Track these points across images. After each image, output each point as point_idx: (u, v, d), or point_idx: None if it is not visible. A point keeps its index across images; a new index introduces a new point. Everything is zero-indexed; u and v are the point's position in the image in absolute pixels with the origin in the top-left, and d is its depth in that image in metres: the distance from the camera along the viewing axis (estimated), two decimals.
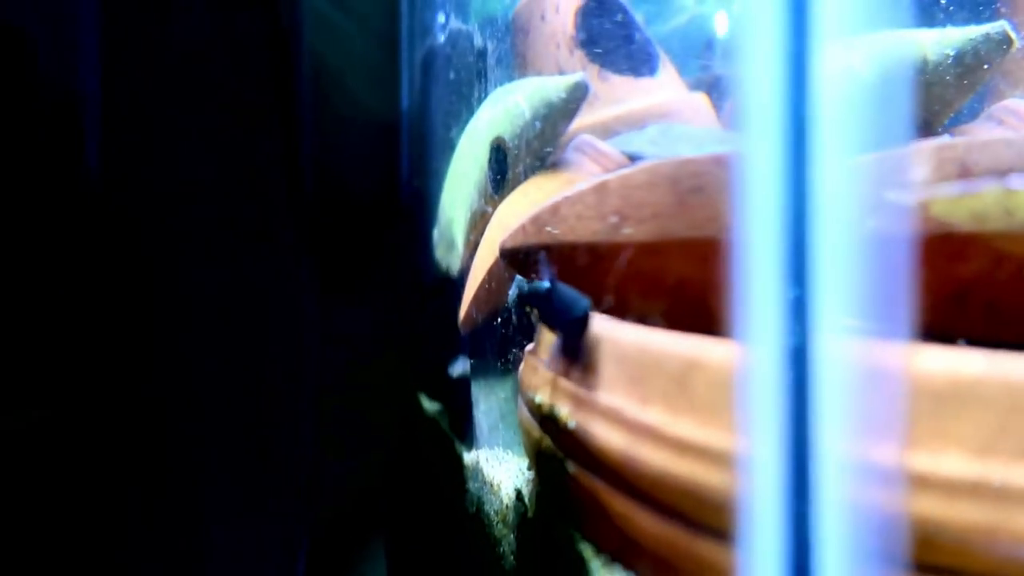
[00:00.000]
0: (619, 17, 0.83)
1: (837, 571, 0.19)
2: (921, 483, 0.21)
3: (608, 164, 0.63)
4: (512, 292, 0.69)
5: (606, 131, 0.72)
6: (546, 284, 0.39)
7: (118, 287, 0.74)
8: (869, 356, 0.21)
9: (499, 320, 0.69)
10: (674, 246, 0.36)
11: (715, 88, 0.90)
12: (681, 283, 0.36)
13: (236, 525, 0.84)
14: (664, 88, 0.78)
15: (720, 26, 1.09)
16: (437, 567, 0.90)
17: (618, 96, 0.76)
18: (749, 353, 0.22)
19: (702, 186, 0.35)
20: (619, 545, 0.31)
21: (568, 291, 0.38)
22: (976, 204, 0.31)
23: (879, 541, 0.20)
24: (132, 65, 0.76)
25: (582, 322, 0.35)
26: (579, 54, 0.81)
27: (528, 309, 0.43)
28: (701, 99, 0.80)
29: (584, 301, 0.36)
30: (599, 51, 0.80)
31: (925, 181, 0.29)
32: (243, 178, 0.86)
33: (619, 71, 0.78)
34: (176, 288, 0.79)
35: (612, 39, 0.81)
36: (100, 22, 0.73)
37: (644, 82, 0.77)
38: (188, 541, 0.79)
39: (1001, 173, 0.31)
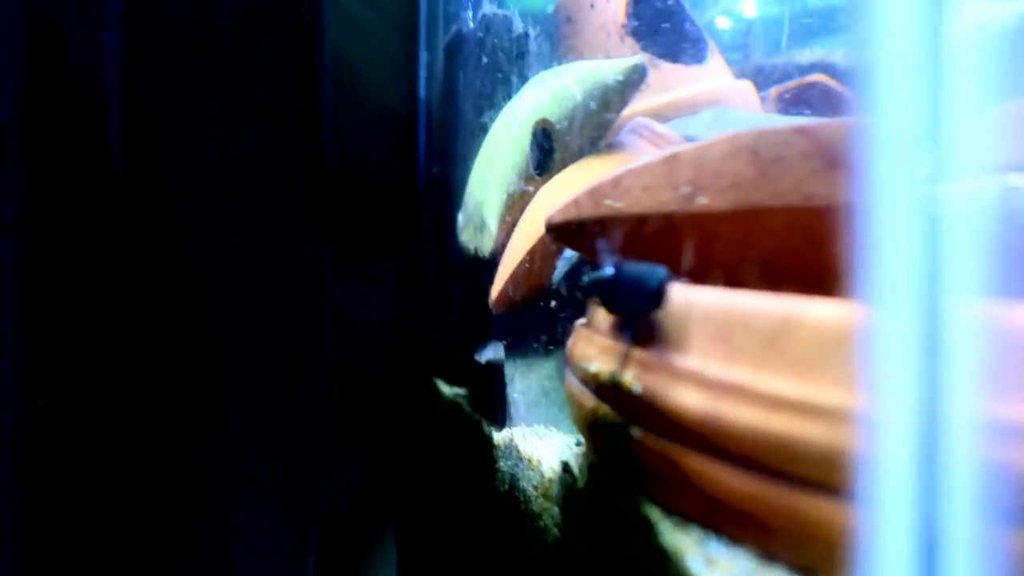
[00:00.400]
0: (670, 5, 0.83)
1: (965, 526, 0.19)
2: None
3: (666, 146, 0.63)
4: (559, 272, 0.70)
5: (657, 118, 0.72)
6: (609, 270, 0.38)
7: (135, 276, 0.75)
8: (995, 316, 0.21)
9: (542, 299, 0.69)
10: (756, 215, 0.35)
11: (757, 76, 0.90)
12: (763, 251, 0.36)
13: (248, 518, 0.84)
14: (713, 76, 0.78)
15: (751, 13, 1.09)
16: (455, 552, 0.90)
17: (669, 83, 0.76)
18: (873, 313, 0.22)
19: (785, 156, 0.35)
20: (696, 505, 0.31)
21: (636, 268, 0.36)
22: None
23: (1004, 496, 0.19)
24: (153, 54, 0.76)
25: (659, 294, 0.34)
26: (629, 41, 0.81)
27: (588, 298, 0.42)
28: (748, 86, 0.80)
29: (659, 271, 0.35)
30: (650, 39, 0.80)
31: None
32: (263, 167, 0.86)
33: (670, 59, 0.78)
34: (195, 277, 0.79)
35: (663, 27, 0.81)
36: (123, 12, 0.73)
37: (694, 70, 0.77)
38: (198, 534, 0.79)
39: None
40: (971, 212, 0.21)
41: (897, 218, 0.22)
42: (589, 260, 0.60)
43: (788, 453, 0.25)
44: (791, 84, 0.79)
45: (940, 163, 0.21)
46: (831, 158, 0.34)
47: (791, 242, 0.35)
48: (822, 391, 0.25)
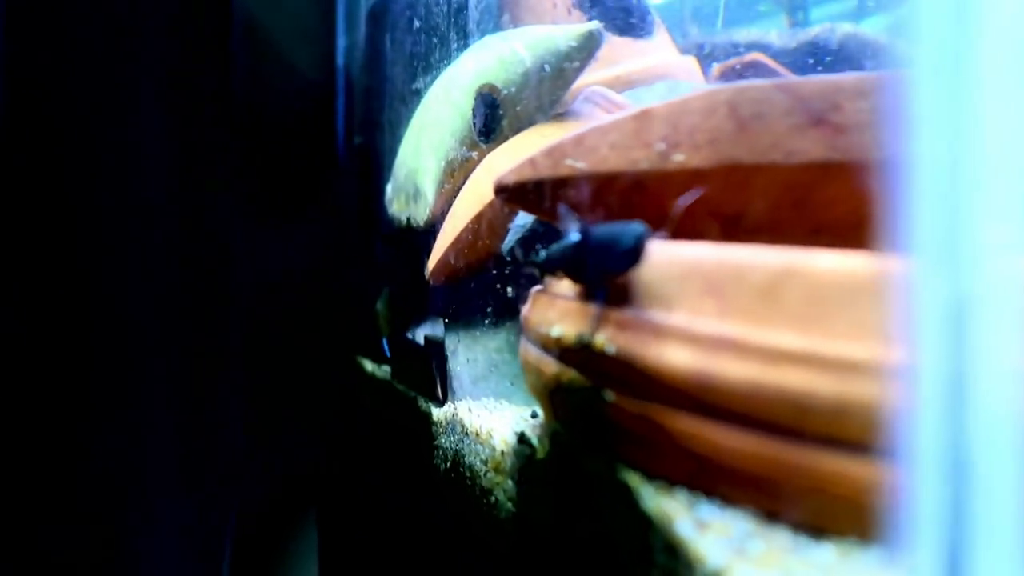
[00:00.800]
0: None
1: (1000, 478, 0.18)
2: None
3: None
4: (509, 239, 0.67)
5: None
6: (575, 236, 0.36)
7: (29, 242, 0.67)
8: None
9: (490, 267, 0.66)
10: (736, 172, 0.34)
11: (696, 53, 0.90)
12: (742, 208, 0.35)
13: (158, 502, 0.78)
14: (660, 50, 0.78)
15: None
16: (385, 535, 0.87)
17: (616, 57, 0.75)
18: (894, 264, 0.21)
19: (766, 112, 0.34)
20: (683, 467, 0.29)
21: (607, 228, 0.35)
22: None
23: None
24: (48, 13, 0.69)
25: (636, 250, 0.32)
26: (577, 14, 0.79)
27: (552, 273, 0.40)
28: (693, 62, 0.80)
29: (635, 227, 0.33)
30: (598, 11, 0.78)
31: None
32: (170, 128, 0.79)
33: (617, 32, 0.77)
34: (97, 246, 0.72)
35: (611, 0, 0.79)
36: None
37: (641, 44, 0.77)
38: (106, 518, 0.72)
39: None
40: (1007, 160, 0.20)
41: (925, 167, 0.20)
42: (544, 223, 0.58)
43: (793, 407, 0.24)
44: (732, 61, 0.80)
45: (976, 115, 0.20)
46: (814, 115, 0.33)
47: (772, 199, 0.34)
48: (829, 342, 0.24)
